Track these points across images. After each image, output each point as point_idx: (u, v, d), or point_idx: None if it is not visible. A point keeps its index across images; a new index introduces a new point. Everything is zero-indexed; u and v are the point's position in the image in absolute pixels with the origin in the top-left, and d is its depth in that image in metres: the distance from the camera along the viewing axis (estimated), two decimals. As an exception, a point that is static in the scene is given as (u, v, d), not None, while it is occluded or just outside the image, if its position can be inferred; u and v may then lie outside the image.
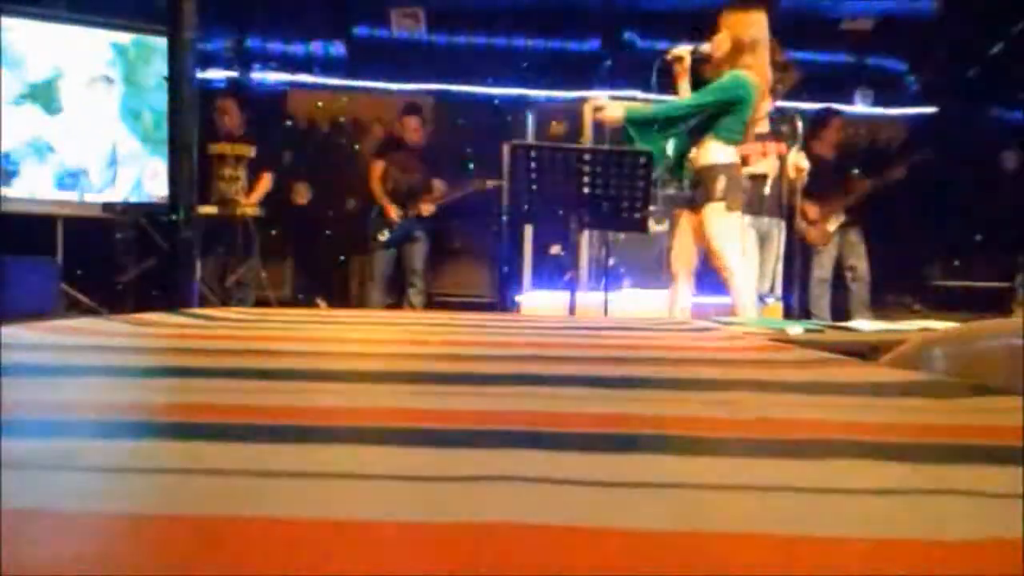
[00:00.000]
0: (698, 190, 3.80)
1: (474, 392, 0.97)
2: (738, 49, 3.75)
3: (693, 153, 3.82)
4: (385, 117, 6.87)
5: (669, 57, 3.92)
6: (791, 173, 4.37)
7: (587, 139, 4.78)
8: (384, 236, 6.00)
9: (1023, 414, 0.81)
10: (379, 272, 6.09)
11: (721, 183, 3.70)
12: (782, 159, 4.31)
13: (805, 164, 4.47)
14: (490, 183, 6.04)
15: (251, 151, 5.77)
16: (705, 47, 3.84)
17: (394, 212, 6.00)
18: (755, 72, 3.74)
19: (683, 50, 3.90)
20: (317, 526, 0.45)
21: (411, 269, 6.10)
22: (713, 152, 3.74)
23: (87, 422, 0.74)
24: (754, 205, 4.24)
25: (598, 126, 6.39)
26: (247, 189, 5.75)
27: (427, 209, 6.06)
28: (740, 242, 3.85)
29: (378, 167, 6.11)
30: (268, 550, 0.42)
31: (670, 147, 3.92)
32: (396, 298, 6.15)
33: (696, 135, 3.79)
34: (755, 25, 3.78)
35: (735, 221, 3.78)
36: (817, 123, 5.66)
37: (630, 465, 0.62)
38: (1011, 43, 6.47)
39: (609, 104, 3.93)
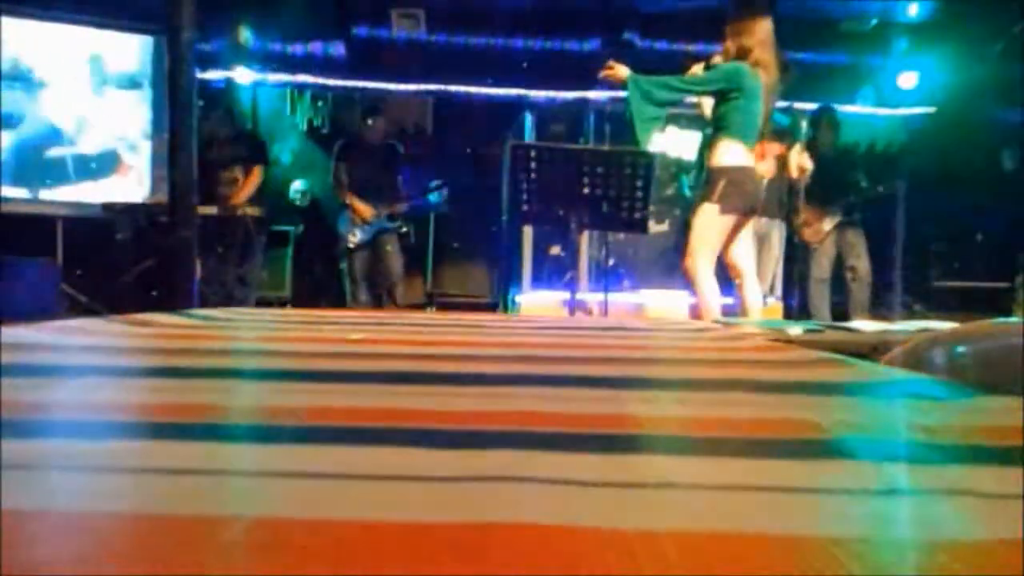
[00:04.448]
0: (704, 188, 3.86)
1: (474, 392, 0.97)
2: (741, 56, 3.81)
3: (707, 152, 3.89)
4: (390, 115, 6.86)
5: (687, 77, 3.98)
6: (794, 173, 4.39)
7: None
8: (356, 237, 5.94)
9: (1023, 414, 0.81)
10: (361, 273, 6.04)
11: (720, 185, 3.75)
12: (780, 160, 4.32)
13: (809, 165, 4.48)
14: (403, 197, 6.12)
15: (247, 151, 5.78)
16: (717, 59, 3.91)
17: (367, 212, 5.92)
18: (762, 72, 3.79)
19: (696, 69, 3.96)
20: (317, 526, 0.45)
21: (390, 269, 6.04)
22: (722, 152, 3.79)
23: (87, 422, 0.74)
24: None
25: (598, 125, 6.42)
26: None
27: (398, 208, 6.01)
28: (718, 246, 3.91)
29: (340, 168, 6.03)
30: (267, 550, 0.42)
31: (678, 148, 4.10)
32: (380, 299, 6.12)
33: (711, 134, 3.87)
34: (757, 32, 3.82)
35: (723, 226, 3.83)
36: (812, 122, 5.66)
37: (630, 465, 0.62)
38: (1011, 43, 6.46)
39: (619, 66, 3.95)
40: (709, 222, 3.80)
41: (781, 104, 4.55)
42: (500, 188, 5.62)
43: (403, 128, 7.10)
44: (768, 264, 5.14)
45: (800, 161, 4.40)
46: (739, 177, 3.79)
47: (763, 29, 3.83)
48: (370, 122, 6.04)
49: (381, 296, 6.05)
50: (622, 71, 3.87)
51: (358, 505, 0.50)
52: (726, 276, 4.02)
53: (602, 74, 3.93)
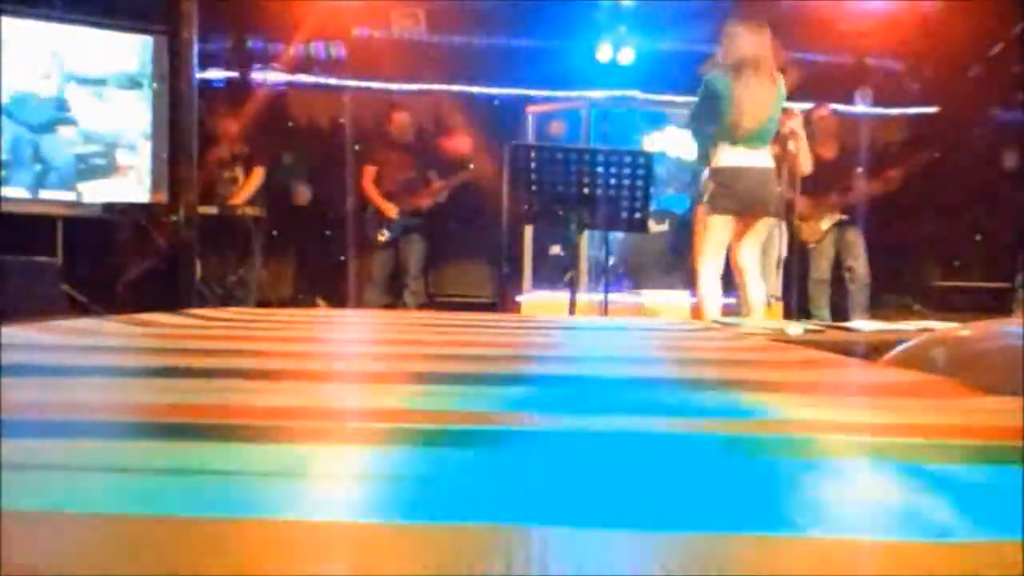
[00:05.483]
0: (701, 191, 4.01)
1: (474, 392, 0.97)
2: (739, 65, 3.91)
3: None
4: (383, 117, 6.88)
5: (786, 131, 4.19)
6: (802, 157, 4.42)
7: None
8: (384, 236, 5.99)
9: (1023, 414, 0.80)
10: (377, 272, 6.08)
11: (710, 187, 3.89)
12: (776, 160, 4.34)
13: (808, 167, 4.49)
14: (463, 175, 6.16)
15: (248, 151, 5.79)
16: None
17: (391, 211, 5.98)
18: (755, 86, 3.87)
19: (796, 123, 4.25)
20: (316, 527, 0.45)
21: (406, 270, 6.09)
22: (715, 155, 3.92)
23: (87, 422, 0.74)
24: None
25: (598, 127, 6.41)
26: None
27: (424, 202, 6.05)
28: (717, 246, 3.97)
29: (370, 171, 6.09)
30: (267, 551, 0.42)
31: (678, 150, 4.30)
32: (393, 298, 6.15)
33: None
34: (743, 38, 3.92)
35: (716, 226, 3.92)
36: (808, 122, 5.65)
37: (630, 465, 0.62)
38: (1011, 43, 6.46)
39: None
40: (703, 223, 3.90)
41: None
42: (500, 188, 5.62)
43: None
44: (770, 265, 5.14)
45: (801, 159, 4.40)
46: (727, 178, 3.87)
47: (751, 35, 3.91)
48: (400, 120, 6.11)
49: (398, 295, 6.08)
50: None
51: (355, 506, 0.50)
52: (730, 276, 4.07)
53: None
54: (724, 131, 3.89)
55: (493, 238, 6.50)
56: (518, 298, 6.06)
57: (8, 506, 0.46)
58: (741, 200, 3.89)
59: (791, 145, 4.29)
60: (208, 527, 0.45)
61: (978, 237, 6.97)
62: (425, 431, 0.72)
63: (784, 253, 5.24)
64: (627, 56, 6.70)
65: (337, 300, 6.60)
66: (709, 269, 3.93)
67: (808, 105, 5.75)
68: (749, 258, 4.03)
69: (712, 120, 3.96)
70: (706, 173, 4.04)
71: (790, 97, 4.37)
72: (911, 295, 6.68)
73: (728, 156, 3.88)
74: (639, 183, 3.85)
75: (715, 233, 3.92)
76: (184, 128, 4.00)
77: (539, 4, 6.71)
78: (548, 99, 6.75)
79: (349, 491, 0.54)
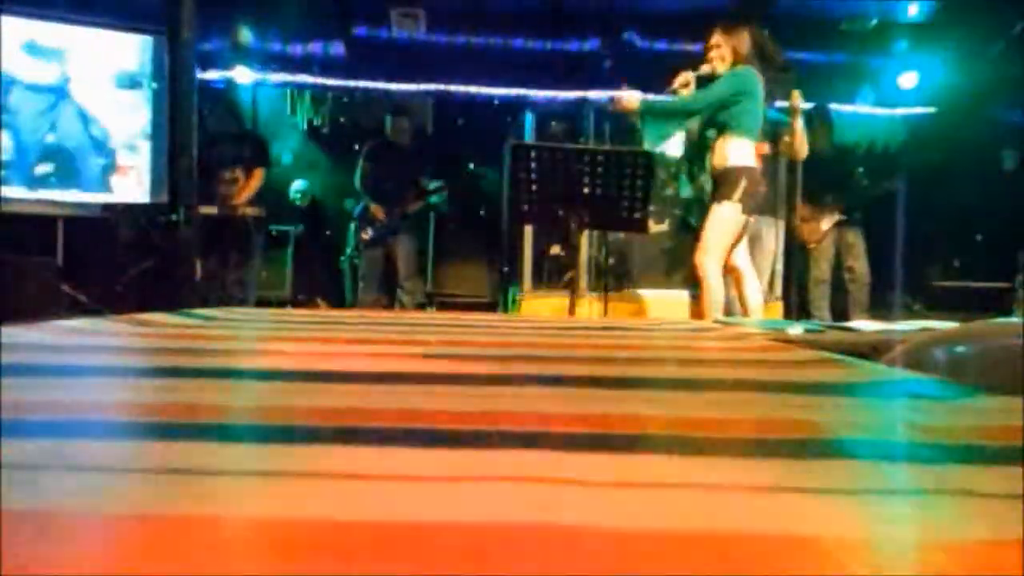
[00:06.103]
0: (721, 187, 3.90)
1: (475, 392, 0.97)
2: (738, 59, 3.91)
3: (713, 152, 3.95)
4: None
5: (676, 85, 4.04)
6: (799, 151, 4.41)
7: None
8: (368, 235, 6.03)
9: (1023, 414, 0.80)
10: (369, 271, 6.11)
11: (741, 185, 3.82)
12: (766, 159, 4.34)
13: (803, 152, 4.51)
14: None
15: (248, 151, 5.79)
16: (706, 67, 3.99)
17: (379, 211, 6.03)
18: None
19: (687, 76, 4.03)
20: (316, 526, 0.45)
21: (397, 270, 6.13)
22: (735, 151, 3.86)
23: (87, 422, 0.74)
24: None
25: (598, 125, 6.42)
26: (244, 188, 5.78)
27: (413, 206, 6.09)
28: (730, 245, 3.94)
29: (365, 168, 6.13)
30: (268, 550, 0.42)
31: (677, 148, 4.18)
32: (391, 298, 6.17)
33: (717, 134, 3.93)
34: (747, 39, 3.93)
35: (739, 225, 3.88)
36: (806, 122, 5.66)
37: (630, 465, 0.62)
38: (1011, 43, 6.46)
39: (628, 94, 4.03)
40: (727, 220, 3.84)
41: (780, 104, 4.57)
42: (500, 188, 5.63)
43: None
44: (764, 263, 5.14)
45: (797, 146, 4.40)
46: (755, 177, 3.88)
47: (752, 37, 3.93)
48: (399, 124, 6.15)
49: (394, 295, 6.10)
50: (632, 102, 3.97)
51: (359, 505, 0.50)
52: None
53: (611, 108, 4.05)
54: (749, 127, 3.87)
55: (493, 238, 6.51)
56: (518, 298, 6.07)
57: (8, 506, 0.46)
58: (757, 199, 3.93)
59: (785, 140, 4.30)
60: (208, 527, 0.45)
61: (978, 237, 6.98)
62: (426, 431, 0.72)
63: (780, 251, 5.24)
64: (627, 56, 6.70)
65: (337, 300, 6.61)
66: (717, 268, 3.91)
67: (808, 105, 5.76)
68: (743, 258, 4.03)
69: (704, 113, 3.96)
70: (720, 170, 3.97)
71: (788, 96, 4.38)
72: (911, 295, 6.69)
73: (744, 155, 3.86)
74: (639, 183, 3.85)
75: (732, 232, 3.88)
76: (184, 128, 4.00)
77: (539, 4, 6.71)
78: (548, 99, 6.76)
79: (349, 490, 0.54)
